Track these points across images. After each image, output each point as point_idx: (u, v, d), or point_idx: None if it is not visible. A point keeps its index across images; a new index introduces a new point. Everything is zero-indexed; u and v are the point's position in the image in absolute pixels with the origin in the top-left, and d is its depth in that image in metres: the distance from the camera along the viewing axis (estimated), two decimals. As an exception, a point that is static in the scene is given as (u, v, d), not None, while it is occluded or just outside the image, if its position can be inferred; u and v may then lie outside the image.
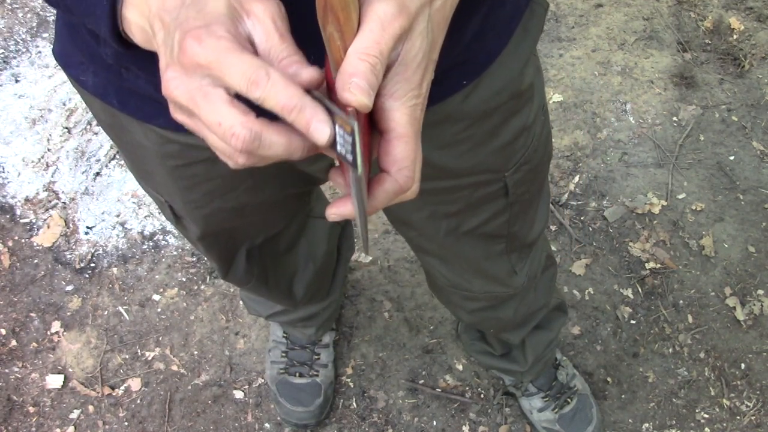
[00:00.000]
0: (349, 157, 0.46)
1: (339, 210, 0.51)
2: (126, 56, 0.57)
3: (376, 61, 0.46)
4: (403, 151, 0.49)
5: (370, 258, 1.88)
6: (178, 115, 0.50)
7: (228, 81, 0.45)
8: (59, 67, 2.42)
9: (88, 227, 1.96)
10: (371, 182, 0.50)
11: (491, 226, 1.02)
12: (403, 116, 0.49)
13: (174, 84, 0.47)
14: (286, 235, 1.26)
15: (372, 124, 0.50)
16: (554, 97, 2.12)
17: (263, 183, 0.92)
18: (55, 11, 2.52)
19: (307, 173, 0.91)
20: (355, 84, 0.45)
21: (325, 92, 0.49)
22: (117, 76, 0.72)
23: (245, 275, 1.19)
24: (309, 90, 0.47)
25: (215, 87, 0.46)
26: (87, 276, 1.89)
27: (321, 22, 0.46)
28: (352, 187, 0.48)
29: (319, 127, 0.45)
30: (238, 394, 1.74)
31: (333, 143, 0.46)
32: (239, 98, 0.47)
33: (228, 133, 0.46)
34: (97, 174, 2.04)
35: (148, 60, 0.54)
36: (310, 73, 0.46)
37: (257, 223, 1.10)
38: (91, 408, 1.73)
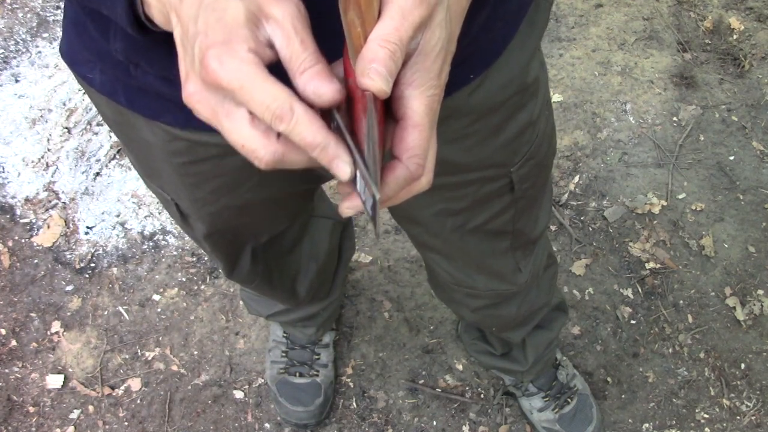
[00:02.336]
0: (370, 212, 0.48)
1: (353, 203, 0.52)
2: (136, 51, 0.57)
3: (396, 48, 0.46)
4: (416, 140, 0.49)
5: (370, 258, 1.88)
6: (202, 118, 0.51)
7: (251, 108, 0.46)
8: (60, 66, 2.41)
9: (88, 227, 1.96)
10: (383, 170, 0.50)
11: (497, 223, 1.02)
12: (420, 105, 0.49)
13: (196, 98, 0.48)
14: (290, 234, 1.26)
15: (389, 111, 0.51)
16: (554, 97, 2.12)
17: (269, 179, 0.92)
18: (55, 11, 2.49)
19: (312, 169, 0.92)
20: (374, 70, 0.46)
21: (345, 99, 0.50)
22: (125, 73, 0.71)
23: (250, 274, 1.20)
24: (331, 112, 0.48)
25: (238, 107, 0.47)
26: (87, 276, 1.89)
27: (342, 8, 0.47)
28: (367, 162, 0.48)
29: (341, 166, 0.47)
30: (238, 394, 1.73)
31: (353, 180, 0.48)
32: None
33: (251, 155, 0.47)
34: (97, 174, 2.04)
35: (159, 55, 0.54)
36: (331, 93, 0.46)
37: (262, 222, 1.10)
38: (91, 408, 1.73)
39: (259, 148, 0.47)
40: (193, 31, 0.48)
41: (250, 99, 0.45)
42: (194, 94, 0.48)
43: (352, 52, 0.48)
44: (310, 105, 0.46)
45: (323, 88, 0.46)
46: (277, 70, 0.47)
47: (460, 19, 0.53)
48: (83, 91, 0.84)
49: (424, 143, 0.50)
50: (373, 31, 0.47)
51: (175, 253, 1.91)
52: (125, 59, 0.69)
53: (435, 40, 0.49)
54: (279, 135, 0.47)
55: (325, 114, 0.48)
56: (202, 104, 0.48)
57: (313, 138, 0.45)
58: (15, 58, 2.24)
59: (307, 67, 0.46)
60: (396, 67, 0.47)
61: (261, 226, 1.12)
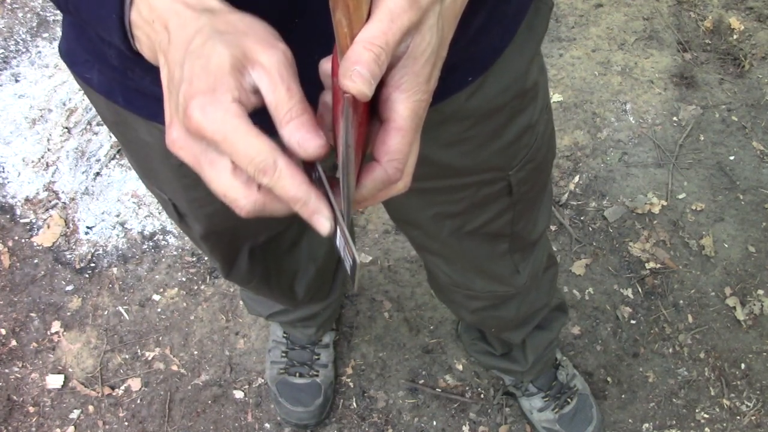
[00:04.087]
0: (349, 271, 0.49)
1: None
2: (131, 60, 0.57)
3: (381, 52, 0.46)
4: (398, 144, 0.49)
5: (370, 258, 1.88)
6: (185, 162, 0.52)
7: (235, 160, 0.47)
8: (60, 66, 2.41)
9: (88, 227, 1.96)
10: (361, 172, 0.50)
11: (495, 226, 1.02)
12: (406, 109, 0.49)
13: (179, 145, 0.49)
14: (288, 234, 1.26)
15: (374, 113, 0.51)
16: (554, 97, 2.12)
17: None
18: (55, 11, 2.49)
19: None
20: (356, 72, 0.45)
21: (330, 125, 0.50)
22: (122, 75, 0.72)
23: (247, 274, 1.19)
24: (314, 165, 0.49)
25: (221, 156, 0.48)
26: (87, 276, 1.89)
27: (331, 7, 0.47)
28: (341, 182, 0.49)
29: (321, 221, 0.48)
30: (238, 394, 1.74)
31: (334, 234, 0.49)
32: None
33: (232, 204, 0.48)
34: (97, 174, 2.04)
35: (153, 64, 0.54)
36: (316, 148, 0.47)
37: (260, 222, 1.10)
38: (91, 408, 1.73)
39: (240, 198, 0.48)
40: (178, 77, 0.48)
41: (234, 152, 0.46)
42: (177, 141, 0.49)
43: (339, 53, 0.48)
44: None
45: (308, 142, 0.46)
46: (263, 113, 0.48)
47: (452, 25, 0.53)
48: (83, 91, 0.84)
49: (405, 148, 0.50)
50: (360, 33, 0.46)
51: (175, 253, 1.91)
52: (120, 65, 0.69)
53: (425, 45, 0.49)
54: (260, 185, 0.48)
55: (308, 162, 0.49)
56: (185, 151, 0.48)
57: (295, 193, 0.46)
58: (15, 58, 2.24)
59: (293, 117, 0.47)
60: (380, 71, 0.46)
61: (258, 227, 1.12)
